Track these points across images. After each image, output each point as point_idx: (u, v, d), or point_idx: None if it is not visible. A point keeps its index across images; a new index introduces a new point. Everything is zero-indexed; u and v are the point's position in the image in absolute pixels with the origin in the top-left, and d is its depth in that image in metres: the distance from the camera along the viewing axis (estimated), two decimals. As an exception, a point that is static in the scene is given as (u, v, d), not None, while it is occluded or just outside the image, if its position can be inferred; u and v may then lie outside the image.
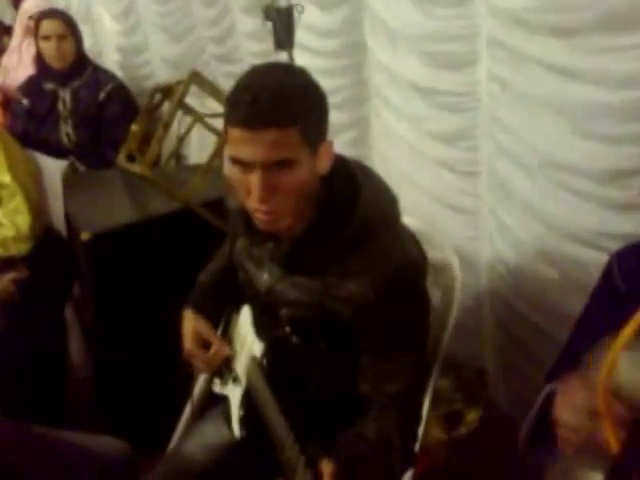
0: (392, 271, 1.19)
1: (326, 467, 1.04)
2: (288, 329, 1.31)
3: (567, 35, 1.21)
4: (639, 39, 1.14)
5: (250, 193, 1.14)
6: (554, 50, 1.25)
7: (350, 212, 1.19)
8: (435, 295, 1.52)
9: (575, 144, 1.26)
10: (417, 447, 1.46)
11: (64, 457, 1.45)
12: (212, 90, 2.02)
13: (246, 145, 1.09)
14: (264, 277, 1.32)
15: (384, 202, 1.25)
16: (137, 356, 2.02)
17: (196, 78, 2.00)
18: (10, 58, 3.33)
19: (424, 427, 1.52)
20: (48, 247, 2.22)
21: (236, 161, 1.13)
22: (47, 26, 2.67)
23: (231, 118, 1.11)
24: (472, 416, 1.68)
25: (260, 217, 1.18)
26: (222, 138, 2.05)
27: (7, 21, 4.25)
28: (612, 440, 0.73)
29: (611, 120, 1.20)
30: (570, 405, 0.83)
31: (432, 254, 1.45)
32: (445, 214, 1.69)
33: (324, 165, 1.17)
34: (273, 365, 1.35)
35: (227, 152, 1.16)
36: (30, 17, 3.22)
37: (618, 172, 1.22)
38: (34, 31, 2.75)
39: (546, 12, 1.22)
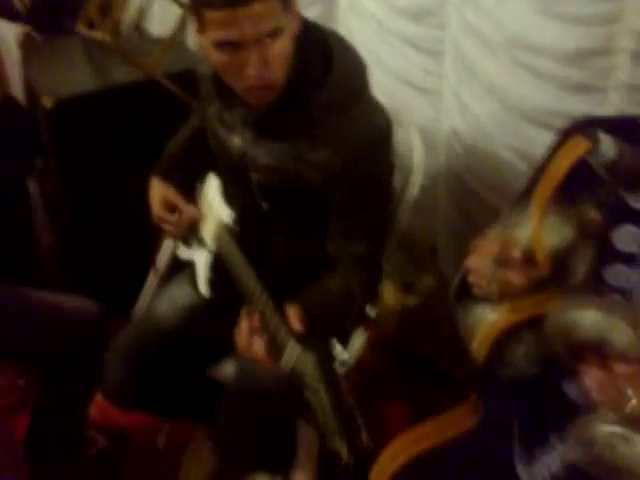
0: (360, 139, 1.24)
1: (291, 309, 1.11)
2: (258, 194, 1.37)
3: None
4: None
5: (242, 72, 1.14)
6: None
7: (322, 79, 1.22)
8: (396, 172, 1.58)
9: (543, 24, 1.29)
10: (374, 310, 1.59)
11: (38, 312, 1.53)
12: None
13: (233, 25, 1.08)
14: (236, 141, 1.35)
15: (355, 70, 1.28)
16: (102, 226, 2.06)
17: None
18: None
19: (378, 300, 1.64)
20: (7, 116, 2.19)
21: (224, 44, 1.12)
22: None
23: (210, 1, 1.08)
24: (423, 285, 1.80)
25: (257, 92, 1.20)
26: (188, 11, 2.00)
27: None
28: (515, 278, 0.83)
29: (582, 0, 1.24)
30: (479, 254, 0.93)
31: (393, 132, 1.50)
32: (408, 93, 1.71)
33: (297, 26, 1.19)
34: (243, 230, 1.41)
35: (209, 37, 1.13)
36: None
37: (580, 52, 1.26)
38: None
39: None
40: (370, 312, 1.58)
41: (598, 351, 0.80)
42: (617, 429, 0.84)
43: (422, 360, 2.05)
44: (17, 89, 2.29)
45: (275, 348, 1.09)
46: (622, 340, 0.78)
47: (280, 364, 1.05)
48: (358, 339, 1.64)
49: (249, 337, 1.12)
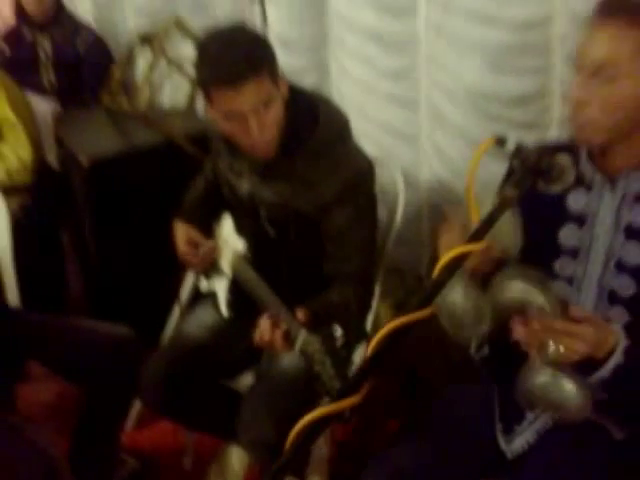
0: (346, 177, 1.54)
1: (300, 311, 1.38)
2: (267, 225, 1.66)
3: (483, -11, 1.56)
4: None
5: (247, 134, 1.45)
6: (474, 2, 1.60)
7: (311, 131, 1.53)
8: (382, 208, 1.87)
9: (491, 76, 1.63)
10: (370, 323, 1.84)
11: (80, 334, 1.78)
12: (194, 36, 2.30)
13: (234, 101, 1.41)
14: (244, 185, 1.64)
15: (338, 122, 1.59)
16: (129, 270, 2.33)
17: (178, 23, 2.28)
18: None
19: (374, 318, 1.90)
20: (44, 177, 2.51)
21: (229, 115, 1.44)
22: (27, -22, 2.89)
23: (213, 82, 1.41)
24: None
25: (260, 150, 1.50)
26: (195, 87, 2.34)
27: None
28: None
29: (517, 56, 1.57)
30: (445, 232, 1.17)
31: (380, 173, 1.80)
32: (391, 141, 2.04)
33: (284, 92, 1.49)
34: (255, 255, 1.69)
35: (216, 110, 1.46)
36: None
37: (522, 97, 1.59)
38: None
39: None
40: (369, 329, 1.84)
41: (522, 311, 1.07)
42: (547, 379, 1.08)
43: (418, 379, 2.28)
44: (50, 154, 2.62)
45: (289, 338, 1.35)
46: (538, 301, 1.05)
47: (294, 348, 1.31)
48: (359, 355, 1.88)
49: (270, 332, 1.39)
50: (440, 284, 0.87)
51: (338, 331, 1.29)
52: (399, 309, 2.07)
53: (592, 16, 1.12)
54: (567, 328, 1.07)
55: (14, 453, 1.50)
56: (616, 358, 1.11)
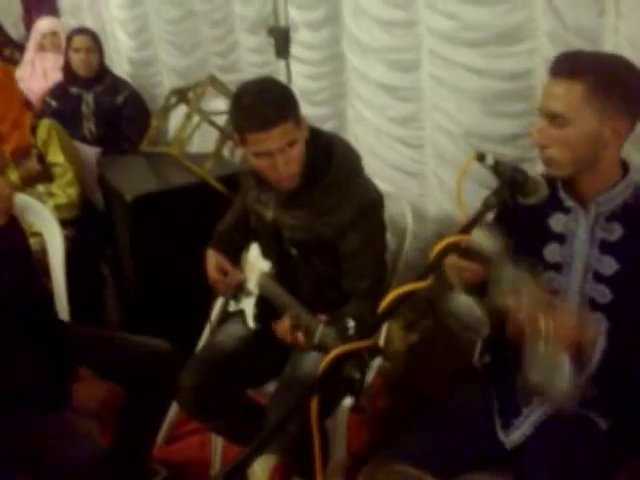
0: (359, 205, 1.77)
1: (322, 316, 1.60)
2: (289, 246, 1.89)
3: (477, 46, 1.86)
4: (521, 48, 1.79)
5: (274, 169, 1.69)
6: (470, 57, 1.89)
7: (328, 166, 1.77)
8: (392, 238, 2.10)
9: (485, 119, 1.91)
10: (382, 340, 2.05)
11: (124, 345, 1.99)
12: (226, 91, 2.59)
13: (265, 141, 1.65)
14: (270, 214, 1.88)
15: (351, 158, 1.84)
16: (164, 298, 2.55)
17: (213, 81, 2.58)
18: (23, 70, 3.75)
19: (386, 335, 2.09)
20: (88, 214, 2.78)
21: (260, 154, 1.69)
22: (78, 41, 3.21)
23: (248, 127, 1.65)
24: (422, 325, 2.28)
25: (285, 182, 1.74)
26: (225, 133, 2.61)
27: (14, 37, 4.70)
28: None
29: (506, 102, 1.85)
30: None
31: (391, 206, 2.04)
32: (400, 178, 2.30)
33: (306, 133, 1.74)
34: (280, 273, 1.91)
35: (249, 150, 1.70)
36: (44, 35, 3.71)
37: (511, 136, 1.85)
38: (66, 44, 3.30)
39: (463, 31, 1.86)
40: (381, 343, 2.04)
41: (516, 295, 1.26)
42: (544, 357, 1.25)
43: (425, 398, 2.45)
44: (92, 193, 2.90)
45: (308, 335, 1.57)
46: (529, 284, 1.25)
47: (312, 342, 1.53)
48: (372, 369, 2.08)
49: (291, 330, 1.61)
50: (435, 264, 1.10)
51: (351, 322, 1.49)
52: (410, 328, 2.29)
53: (548, 73, 1.38)
54: (554, 301, 1.25)
55: (67, 443, 1.70)
56: (601, 343, 1.29)
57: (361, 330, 1.73)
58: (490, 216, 1.25)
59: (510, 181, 1.23)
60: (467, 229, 1.15)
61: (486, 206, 1.20)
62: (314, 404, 0.96)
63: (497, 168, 1.23)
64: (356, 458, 2.28)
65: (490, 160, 1.23)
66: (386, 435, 2.37)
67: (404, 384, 2.51)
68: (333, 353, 1.04)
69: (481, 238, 1.24)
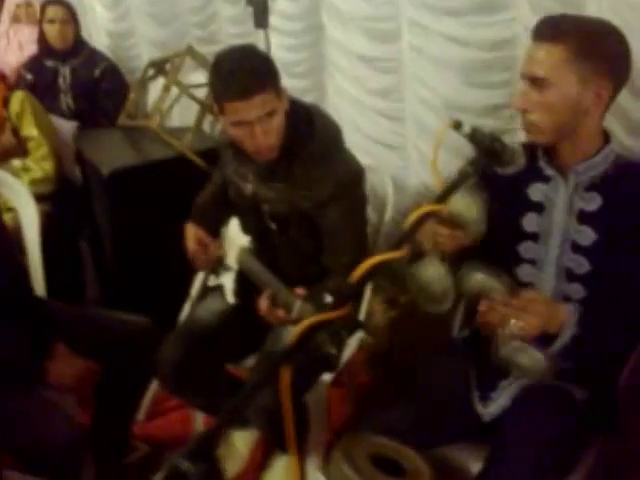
0: (339, 178, 1.74)
1: (299, 289, 1.59)
2: (269, 221, 1.87)
3: (457, 15, 1.83)
4: (502, 17, 1.76)
5: (253, 139, 1.65)
6: (450, 26, 1.86)
7: (308, 138, 1.74)
8: (372, 210, 2.08)
9: (465, 90, 1.88)
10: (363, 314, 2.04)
11: (101, 321, 1.97)
12: (205, 63, 2.54)
13: (244, 111, 1.61)
14: (249, 187, 1.85)
15: (332, 131, 1.80)
16: (144, 273, 2.53)
17: (191, 52, 2.54)
18: (-2, 43, 3.64)
19: (367, 310, 2.09)
20: (65, 189, 2.74)
21: (238, 123, 1.65)
22: (52, 11, 3.12)
23: (226, 96, 1.61)
24: (403, 300, 2.27)
25: (264, 154, 1.70)
26: (206, 106, 2.57)
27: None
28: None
29: (487, 72, 1.82)
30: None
31: (372, 179, 2.03)
32: (381, 150, 2.28)
33: (285, 104, 1.71)
34: (259, 248, 1.89)
35: (227, 119, 1.66)
36: (18, 5, 3.59)
37: (492, 107, 1.83)
38: (40, 16, 3.22)
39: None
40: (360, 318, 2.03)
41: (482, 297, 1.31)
42: (511, 350, 1.30)
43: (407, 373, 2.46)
44: (69, 168, 2.85)
45: (287, 309, 1.55)
46: (496, 287, 1.29)
47: (291, 315, 1.51)
48: (352, 343, 2.08)
49: (270, 307, 1.59)
50: (409, 234, 1.08)
51: (328, 298, 1.48)
52: (391, 303, 2.28)
53: (531, 37, 1.37)
54: (523, 305, 1.29)
55: (44, 420, 1.69)
56: (570, 330, 1.32)
57: (340, 298, 1.77)
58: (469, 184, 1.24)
59: (487, 150, 1.21)
60: (442, 199, 1.13)
61: (462, 175, 1.18)
62: (285, 374, 0.94)
63: (474, 136, 1.21)
64: (337, 433, 2.30)
65: (467, 128, 1.21)
66: (367, 410, 2.37)
67: (386, 359, 2.52)
68: (306, 322, 1.02)
69: (459, 205, 1.23)
